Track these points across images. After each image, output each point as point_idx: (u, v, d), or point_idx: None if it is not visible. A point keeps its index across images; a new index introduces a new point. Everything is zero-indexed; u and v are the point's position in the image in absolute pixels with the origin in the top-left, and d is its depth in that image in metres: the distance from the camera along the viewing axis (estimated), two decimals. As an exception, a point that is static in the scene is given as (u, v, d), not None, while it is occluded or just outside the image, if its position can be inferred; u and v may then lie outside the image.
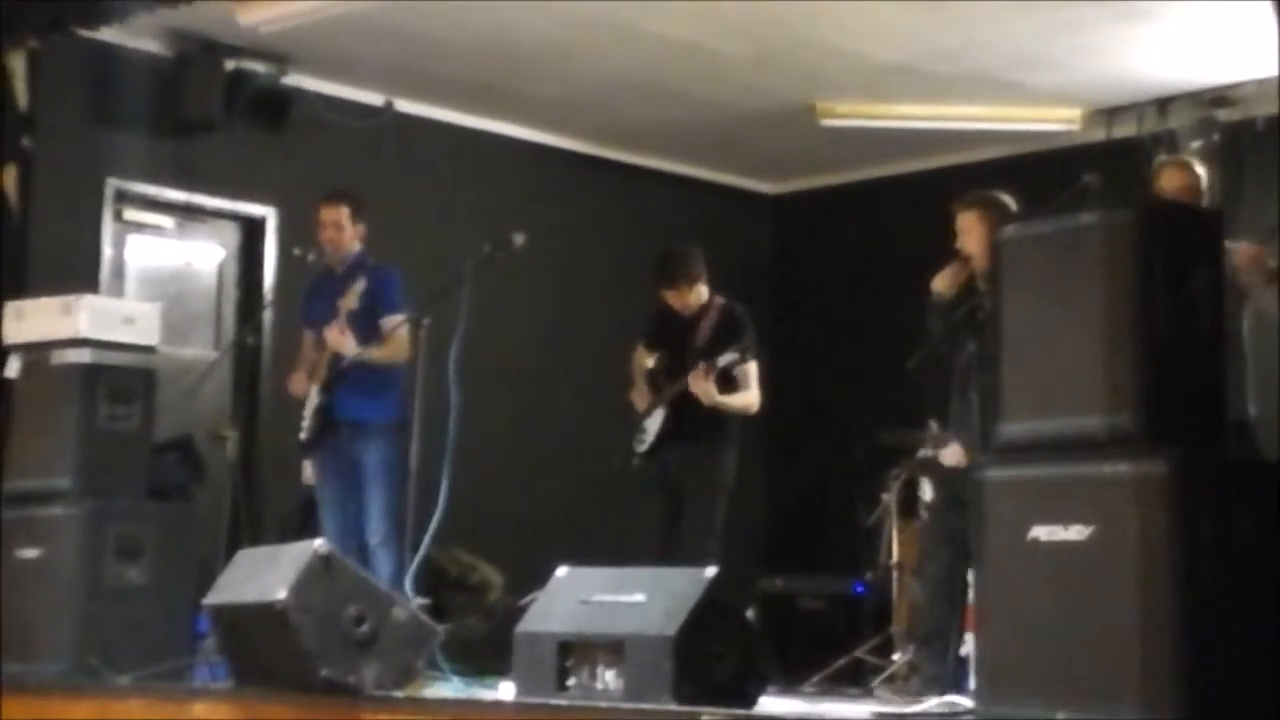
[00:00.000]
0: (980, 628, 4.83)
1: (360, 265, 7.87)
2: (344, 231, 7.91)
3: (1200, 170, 7.10)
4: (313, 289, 8.06)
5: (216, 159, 9.48)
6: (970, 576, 6.93)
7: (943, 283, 7.00)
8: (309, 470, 8.95)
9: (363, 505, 7.70)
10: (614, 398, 8.44)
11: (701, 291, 8.05)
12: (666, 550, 7.69)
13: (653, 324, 8.18)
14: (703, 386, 7.73)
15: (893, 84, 9.78)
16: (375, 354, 7.59)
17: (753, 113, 10.38)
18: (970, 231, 6.93)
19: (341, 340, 7.65)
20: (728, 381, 7.85)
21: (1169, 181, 6.91)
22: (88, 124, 9.08)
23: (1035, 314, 4.71)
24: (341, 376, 7.67)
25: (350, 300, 7.66)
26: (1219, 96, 9.67)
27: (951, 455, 6.97)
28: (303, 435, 7.84)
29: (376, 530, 7.61)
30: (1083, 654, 4.37)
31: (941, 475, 7.05)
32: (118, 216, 9.31)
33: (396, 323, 7.61)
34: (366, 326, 7.66)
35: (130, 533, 7.13)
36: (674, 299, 8.03)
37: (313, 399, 7.79)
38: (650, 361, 8.01)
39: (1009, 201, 6.90)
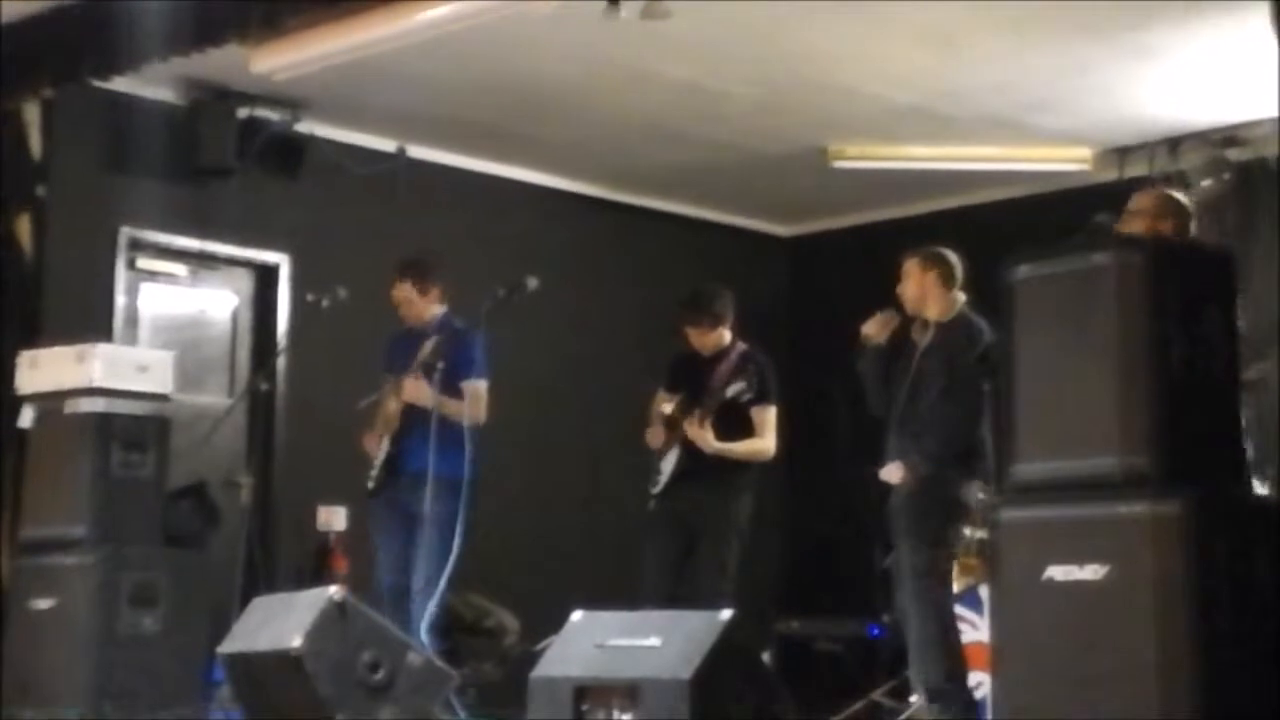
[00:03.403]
0: (996, 668, 4.81)
1: (443, 327, 7.88)
2: (414, 304, 7.96)
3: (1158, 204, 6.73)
4: (393, 345, 8.06)
5: (230, 206, 9.50)
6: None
7: (872, 328, 7.32)
8: (324, 516, 8.98)
9: (413, 554, 7.67)
10: (629, 441, 8.43)
11: (724, 334, 8.04)
12: (674, 591, 7.67)
13: (671, 369, 8.17)
14: (698, 434, 7.73)
15: (904, 126, 9.79)
16: (451, 408, 7.57)
17: (765, 155, 10.40)
18: (909, 277, 7.30)
19: (417, 388, 7.67)
20: (743, 423, 7.84)
21: (1131, 226, 6.66)
22: (101, 172, 9.10)
23: (1049, 354, 4.71)
24: (412, 428, 7.68)
25: (424, 352, 7.70)
26: (1230, 136, 9.66)
27: (892, 472, 7.10)
28: (369, 484, 7.87)
29: (419, 578, 7.56)
30: (1099, 694, 4.35)
31: (905, 516, 7.11)
32: (131, 264, 9.32)
33: (475, 387, 7.72)
34: (444, 385, 7.62)
35: (145, 580, 7.14)
36: (696, 337, 8.02)
37: (383, 450, 7.82)
38: (669, 407, 7.98)
39: (950, 256, 7.26)
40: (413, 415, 7.70)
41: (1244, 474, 4.84)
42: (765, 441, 7.91)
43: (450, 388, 7.66)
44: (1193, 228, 6.35)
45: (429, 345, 7.68)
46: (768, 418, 7.91)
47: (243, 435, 9.45)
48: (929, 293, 7.21)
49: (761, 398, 7.87)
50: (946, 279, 7.20)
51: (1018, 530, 4.67)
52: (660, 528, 7.87)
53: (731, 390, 7.74)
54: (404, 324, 8.03)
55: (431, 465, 7.43)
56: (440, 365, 7.57)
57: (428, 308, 7.97)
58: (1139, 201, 6.44)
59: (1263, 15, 5.87)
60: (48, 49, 8.08)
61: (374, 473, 7.85)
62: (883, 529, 7.88)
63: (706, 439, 7.72)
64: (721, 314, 8.02)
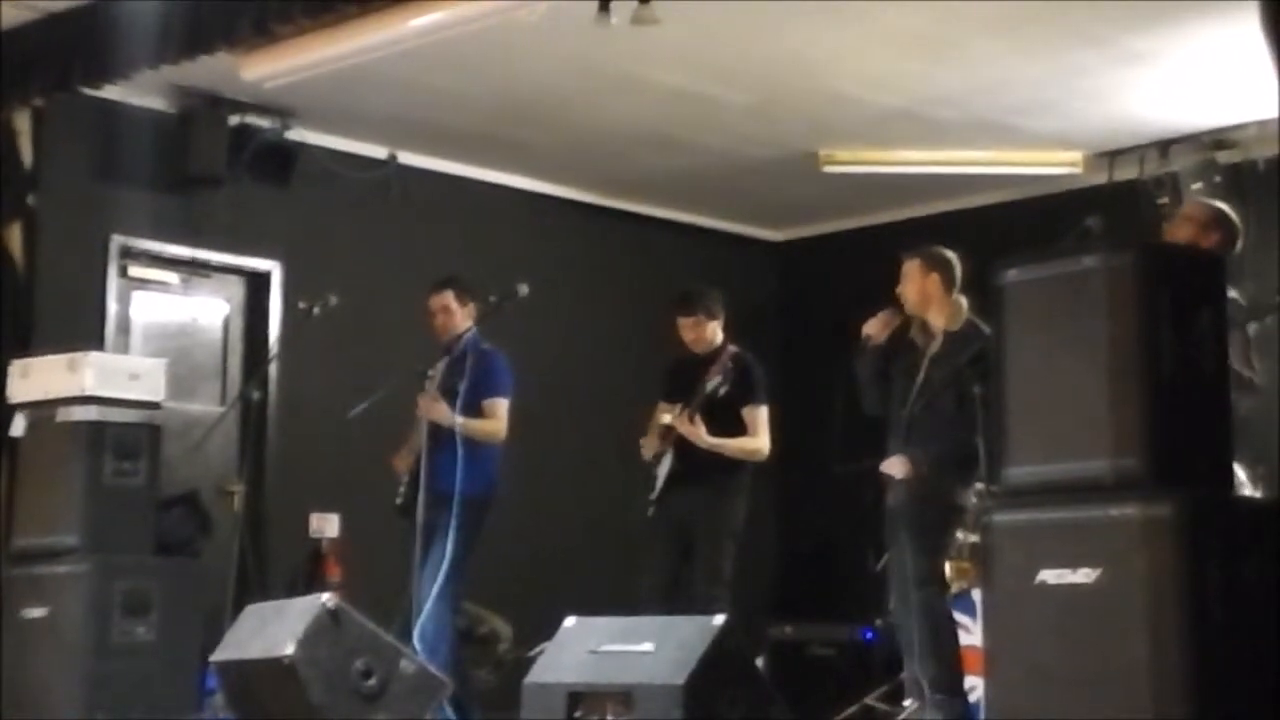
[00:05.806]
0: (989, 672, 4.82)
1: (472, 346, 7.95)
2: (453, 315, 8.03)
3: (1207, 214, 6.74)
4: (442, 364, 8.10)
5: (221, 214, 9.50)
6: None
7: (874, 328, 7.31)
8: (316, 523, 8.99)
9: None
10: (621, 447, 8.43)
11: (717, 332, 8.06)
12: (671, 594, 7.68)
13: (667, 377, 8.18)
14: (689, 429, 7.74)
15: (894, 130, 9.80)
16: (469, 426, 7.70)
17: (756, 160, 10.40)
18: (909, 279, 7.28)
19: (430, 407, 7.75)
20: (734, 424, 7.84)
21: (1177, 234, 6.65)
22: (92, 181, 9.09)
23: (1039, 358, 4.71)
24: (434, 447, 7.71)
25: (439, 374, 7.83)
26: (1220, 139, 9.67)
27: (895, 465, 7.13)
28: (398, 500, 7.91)
29: (429, 586, 7.59)
30: (1092, 697, 4.35)
31: (906, 522, 7.12)
32: (123, 272, 9.32)
33: (495, 405, 7.86)
34: (467, 403, 7.76)
35: (137, 589, 7.13)
36: (688, 332, 8.03)
37: (410, 468, 7.88)
38: (669, 417, 7.99)
39: (952, 258, 7.25)
40: (435, 434, 7.74)
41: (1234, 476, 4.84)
42: (758, 441, 7.92)
43: (473, 406, 7.76)
44: (1239, 245, 6.38)
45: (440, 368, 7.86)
46: (758, 417, 7.92)
47: (234, 443, 9.44)
48: (931, 296, 7.21)
49: (751, 397, 7.88)
50: (948, 282, 7.20)
51: (1010, 534, 4.67)
52: (657, 533, 7.88)
53: (709, 385, 7.75)
54: (440, 337, 8.06)
55: (422, 479, 7.55)
56: (462, 386, 7.71)
57: (462, 322, 8.02)
58: (1192, 208, 6.49)
59: (1252, 18, 5.87)
60: (38, 57, 8.08)
61: (401, 488, 7.90)
62: (875, 532, 7.91)
63: (698, 434, 7.72)
64: (714, 309, 8.06)
